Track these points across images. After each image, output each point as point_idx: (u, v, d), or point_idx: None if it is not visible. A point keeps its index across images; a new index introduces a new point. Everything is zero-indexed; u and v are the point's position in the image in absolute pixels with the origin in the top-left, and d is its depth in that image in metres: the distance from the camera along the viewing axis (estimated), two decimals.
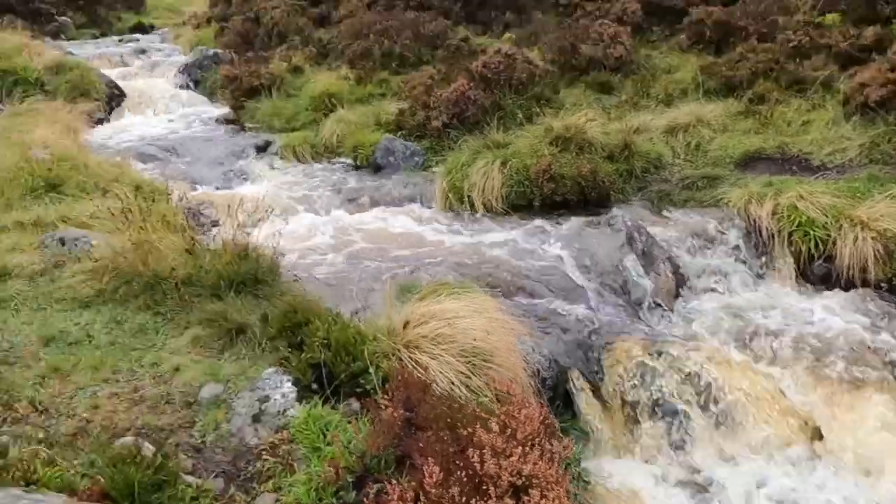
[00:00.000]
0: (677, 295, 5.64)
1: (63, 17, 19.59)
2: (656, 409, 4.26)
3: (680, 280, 5.71)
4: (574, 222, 6.29)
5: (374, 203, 7.22)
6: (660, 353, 4.49)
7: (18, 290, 4.36)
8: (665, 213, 6.56)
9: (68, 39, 18.02)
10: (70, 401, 3.20)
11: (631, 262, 5.44)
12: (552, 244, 5.89)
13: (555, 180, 6.75)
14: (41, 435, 2.74)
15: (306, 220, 6.72)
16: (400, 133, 8.64)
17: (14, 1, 18.24)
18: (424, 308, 3.62)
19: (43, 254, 4.83)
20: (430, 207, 7.15)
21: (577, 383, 4.24)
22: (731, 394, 4.24)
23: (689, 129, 7.69)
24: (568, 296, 5.18)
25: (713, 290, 5.75)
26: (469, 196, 6.95)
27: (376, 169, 8.20)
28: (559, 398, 4.19)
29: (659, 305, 5.42)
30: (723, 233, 6.09)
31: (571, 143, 7.17)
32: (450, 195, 7.07)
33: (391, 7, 12.17)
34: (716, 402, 4.29)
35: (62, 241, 4.94)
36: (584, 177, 6.72)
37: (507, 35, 11.18)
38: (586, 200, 6.80)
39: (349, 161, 8.57)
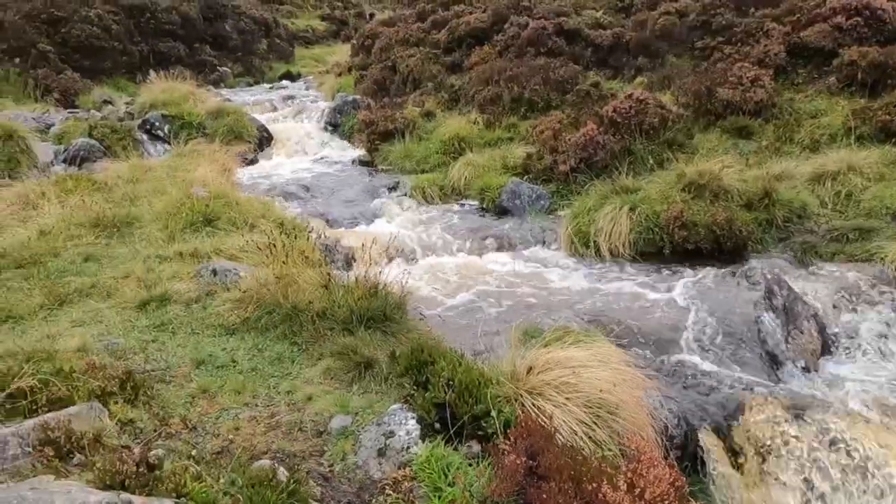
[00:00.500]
0: (822, 356, 5.21)
1: (223, 68, 21.70)
2: (797, 474, 3.92)
3: (826, 341, 5.27)
4: (707, 272, 6.03)
5: (500, 245, 7.29)
6: (800, 416, 4.15)
7: (176, 314, 4.81)
8: (810, 267, 6.12)
9: (227, 87, 19.90)
10: (216, 421, 3.46)
11: (769, 318, 5.10)
12: (683, 295, 5.66)
13: (687, 228, 6.52)
14: (191, 451, 2.97)
15: (433, 259, 6.91)
16: (526, 177, 8.73)
17: (184, 53, 20.49)
18: (548, 355, 3.59)
19: (198, 282, 5.30)
20: (555, 251, 7.12)
21: (708, 443, 4.01)
22: (877, 463, 3.83)
23: (838, 177, 7.17)
24: (699, 351, 4.94)
25: (865, 353, 5.25)
26: (595, 241, 6.86)
27: (502, 212, 8.31)
28: (687, 459, 3.98)
29: (800, 367, 5.03)
30: (878, 291, 5.58)
31: (705, 189, 6.91)
32: (575, 239, 7.02)
33: (522, 54, 12.41)
34: (865, 475, 3.88)
35: (214, 272, 5.39)
36: (718, 225, 6.43)
37: (638, 79, 11.03)
38: (720, 250, 6.49)
39: (476, 203, 8.75)
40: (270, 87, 19.97)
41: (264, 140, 12.89)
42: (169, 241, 6.20)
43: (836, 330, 5.34)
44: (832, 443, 3.95)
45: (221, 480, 2.80)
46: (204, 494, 2.56)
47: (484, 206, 8.58)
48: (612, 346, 4.18)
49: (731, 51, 10.36)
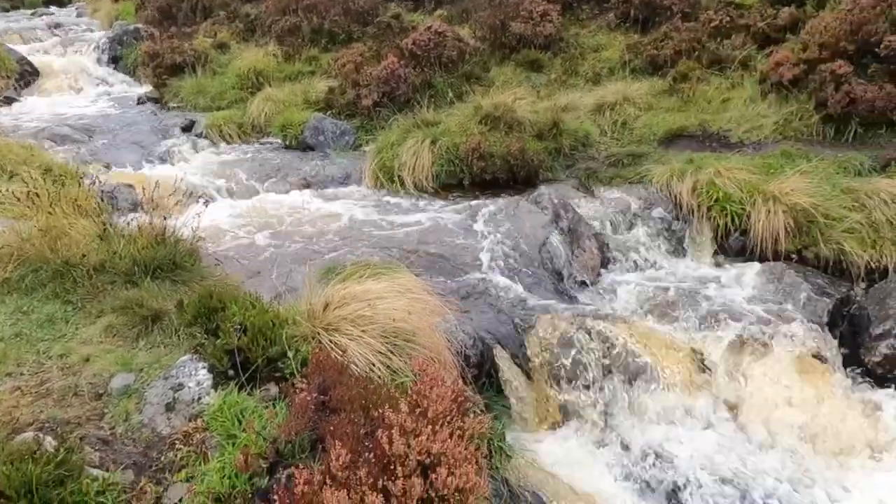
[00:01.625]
0: (603, 269, 5.78)
1: None
2: (578, 380, 4.37)
3: (605, 256, 5.84)
4: (502, 201, 6.34)
5: (303, 184, 7.09)
6: (582, 327, 4.59)
7: None
8: (592, 190, 6.68)
9: None
10: None
11: (556, 239, 5.53)
12: (480, 223, 5.91)
13: (484, 159, 6.78)
14: None
15: (232, 201, 6.56)
16: (330, 112, 8.51)
17: None
18: (345, 290, 3.59)
19: None
20: (360, 187, 7.08)
21: (501, 359, 4.30)
22: (643, 359, 4.39)
23: (615, 107, 7.83)
24: (494, 273, 5.23)
25: (636, 264, 5.91)
26: (399, 175, 6.92)
27: (305, 148, 8.05)
28: (484, 376, 4.25)
29: (584, 281, 5.55)
30: (646, 209, 6.25)
31: (501, 121, 7.20)
32: (380, 174, 7.02)
33: None
34: (631, 368, 4.43)
35: None
36: (513, 155, 6.77)
37: (438, 12, 11.08)
38: (515, 179, 6.87)
39: (278, 141, 8.38)
40: (32, 14, 17.30)
41: (28, 75, 11.23)
42: None
43: (613, 246, 5.93)
44: (602, 342, 4.43)
45: None
46: None
47: (286, 143, 8.25)
48: (412, 276, 4.28)
49: None
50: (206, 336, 3.36)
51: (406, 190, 6.84)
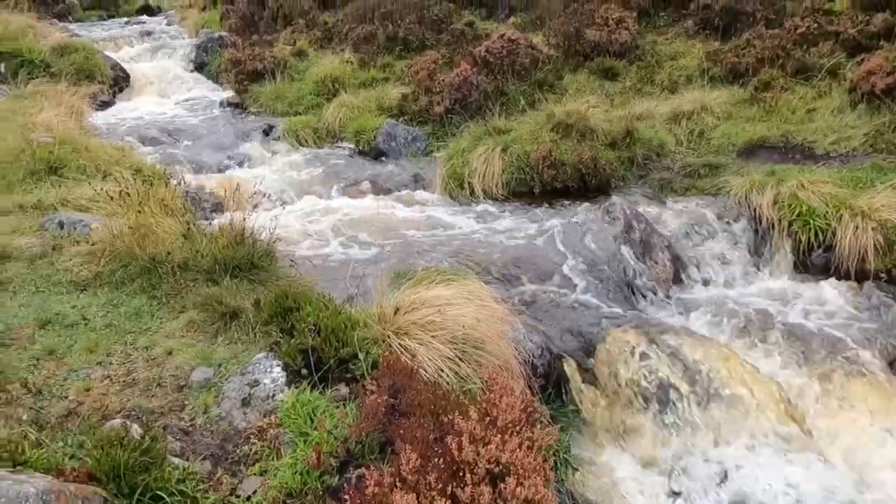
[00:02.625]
0: (675, 283, 5.63)
1: None
2: (649, 396, 4.27)
3: (678, 268, 5.69)
4: (573, 209, 6.28)
5: (375, 188, 7.22)
6: (654, 341, 4.49)
7: (18, 272, 4.40)
8: (666, 201, 6.53)
9: (75, 21, 18.03)
10: (63, 383, 3.23)
11: (628, 250, 5.42)
12: (550, 231, 5.87)
13: (555, 167, 6.74)
14: (30, 416, 2.77)
15: (306, 204, 6.74)
16: (402, 118, 8.64)
17: None
18: (415, 295, 3.63)
19: (42, 237, 4.86)
20: (430, 193, 7.15)
21: (570, 371, 4.26)
22: (722, 381, 4.24)
23: (692, 116, 7.64)
24: (564, 283, 5.18)
25: (712, 278, 5.73)
26: (469, 182, 6.95)
27: (378, 154, 8.20)
28: (552, 386, 4.21)
29: (656, 294, 5.42)
30: (724, 222, 6.06)
31: (573, 129, 7.13)
32: (450, 181, 7.07)
33: None
34: (708, 389, 4.29)
35: (61, 224, 4.97)
36: (584, 164, 6.70)
37: (512, 19, 11.09)
38: (587, 188, 6.79)
39: (351, 146, 8.57)
40: (126, 22, 18.30)
41: (120, 80, 11.88)
42: (7, 192, 5.63)
43: (687, 259, 5.77)
44: (675, 359, 4.31)
45: (68, 444, 2.65)
46: (45, 461, 2.41)
47: (360, 148, 8.42)
48: (480, 283, 4.29)
49: None
50: (281, 335, 3.47)
51: (476, 197, 6.87)
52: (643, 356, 4.42)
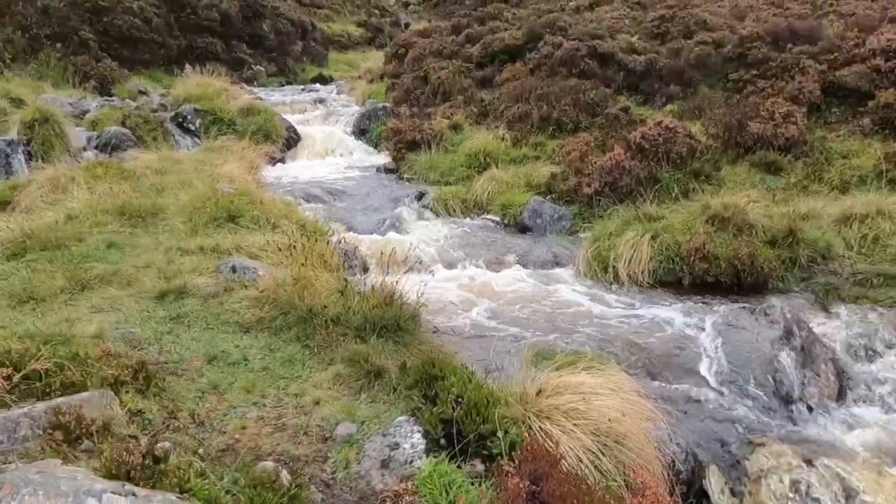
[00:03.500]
0: (839, 400, 5.11)
1: (258, 66, 22.00)
2: None
3: (843, 384, 5.18)
4: (726, 307, 5.96)
5: (518, 263, 7.28)
6: (810, 460, 4.08)
7: (193, 308, 4.86)
8: (831, 309, 6.02)
9: (259, 86, 20.17)
10: (223, 418, 3.48)
11: (787, 358, 5.03)
12: (700, 327, 5.60)
13: (708, 260, 6.47)
14: (197, 447, 3.00)
15: (450, 272, 6.91)
16: (550, 196, 8.72)
17: (220, 50, 20.80)
18: (559, 379, 3.57)
19: (217, 278, 5.35)
20: (573, 272, 7.09)
21: (715, 482, 3.95)
22: None
23: (866, 220, 7.05)
24: (712, 384, 4.88)
25: (882, 401, 5.15)
26: (614, 266, 6.82)
27: (523, 229, 8.30)
28: (693, 496, 3.92)
29: (815, 409, 4.94)
30: None
31: (729, 223, 6.84)
32: (594, 263, 6.98)
33: (553, 74, 12.43)
34: None
35: (234, 269, 5.44)
36: (740, 260, 6.37)
37: (669, 107, 11.00)
38: (741, 285, 6.43)
39: (497, 218, 8.75)
40: (302, 89, 20.19)
41: (292, 140, 13.02)
42: (192, 235, 6.28)
43: (854, 375, 5.24)
44: (837, 485, 3.87)
45: (225, 479, 2.82)
46: (206, 492, 2.58)
47: (505, 221, 8.58)
48: (624, 374, 4.14)
49: (764, 85, 10.29)
50: (423, 401, 3.53)
51: (620, 282, 6.72)
52: (797, 475, 4.02)
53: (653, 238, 6.86)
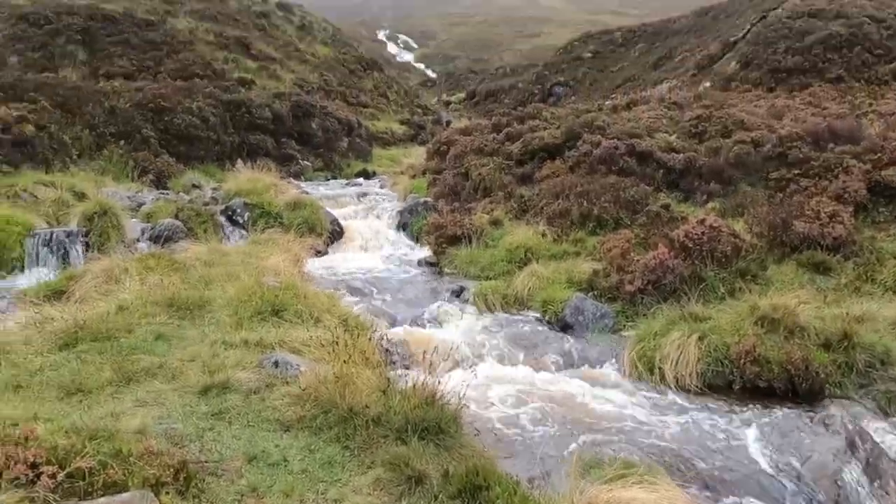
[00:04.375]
0: None
1: (305, 161, 22.91)
2: None
3: None
4: (780, 414, 5.70)
5: (559, 361, 7.15)
6: None
7: (234, 404, 4.85)
8: (894, 417, 5.70)
9: (306, 179, 20.92)
10: None
11: (853, 473, 4.72)
12: (754, 436, 5.34)
13: (759, 364, 6.25)
14: None
15: (491, 371, 6.80)
16: (591, 293, 8.64)
17: (271, 146, 21.81)
18: (609, 493, 3.41)
19: (259, 373, 5.36)
20: (617, 373, 6.91)
21: None
22: None
23: None
24: (770, 500, 4.59)
25: None
26: (660, 367, 6.63)
27: (564, 326, 8.19)
28: None
29: None
30: None
31: (780, 325, 6.65)
32: (639, 364, 6.81)
33: (593, 171, 12.63)
34: None
35: (276, 364, 5.46)
36: (794, 364, 6.13)
37: (710, 205, 10.99)
38: (795, 391, 6.16)
39: (538, 315, 8.66)
40: (347, 183, 20.86)
41: (336, 233, 13.33)
42: (237, 328, 6.36)
43: None
44: None
45: None
46: None
47: (546, 318, 8.49)
48: (679, 491, 3.94)
49: (807, 184, 10.26)
50: None
51: (666, 384, 6.51)
52: None
53: (700, 339, 6.68)
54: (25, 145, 14.48)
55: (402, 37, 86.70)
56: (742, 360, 6.28)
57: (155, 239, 10.71)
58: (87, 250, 10.03)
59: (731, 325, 6.81)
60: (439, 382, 4.86)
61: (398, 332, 7.60)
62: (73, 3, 28.62)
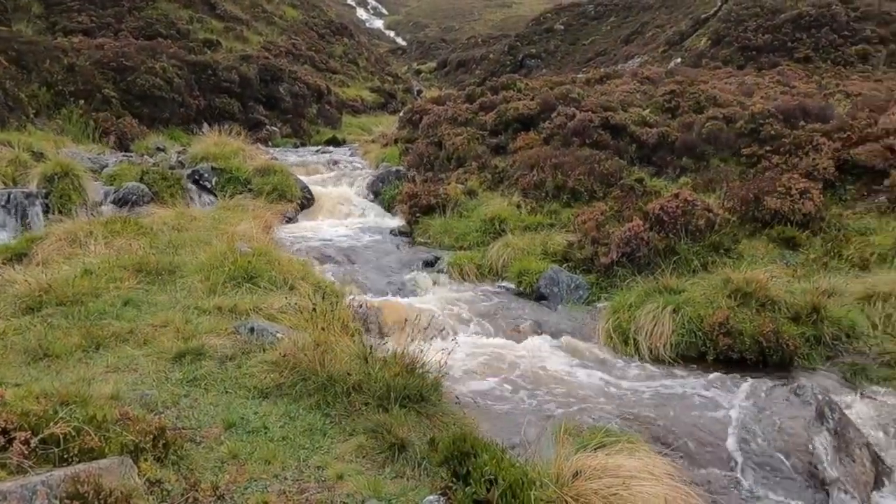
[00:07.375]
0: (876, 488, 4.91)
1: (273, 127, 22.39)
2: None
3: (880, 472, 4.98)
4: (752, 385, 5.80)
5: (535, 332, 7.17)
6: None
7: (210, 370, 4.74)
8: (860, 390, 5.87)
9: (274, 146, 20.45)
10: (244, 491, 3.32)
11: (822, 442, 4.85)
12: (725, 405, 5.44)
13: (731, 336, 6.35)
14: None
15: (468, 340, 6.79)
16: (566, 265, 8.67)
17: (237, 110, 21.23)
18: (595, 460, 3.42)
19: (235, 339, 5.25)
20: (592, 344, 6.96)
21: None
22: None
23: (889, 298, 6.97)
24: (743, 467, 4.69)
25: None
26: (635, 339, 6.70)
27: (539, 297, 8.21)
28: None
29: (851, 498, 4.73)
30: None
31: (752, 298, 6.77)
32: (614, 335, 6.87)
33: (567, 143, 12.59)
34: None
35: (252, 330, 5.35)
36: (765, 336, 6.26)
37: (683, 179, 11.07)
38: (765, 362, 6.30)
39: (512, 286, 8.67)
40: (316, 150, 20.46)
41: (306, 201, 13.08)
42: (209, 294, 6.20)
43: (890, 462, 5.05)
44: None
45: None
46: None
47: (521, 289, 8.50)
48: (658, 456, 3.98)
49: (778, 161, 10.39)
50: (453, 479, 3.36)
51: (640, 355, 6.59)
52: None
53: (674, 311, 6.76)
54: None
55: (372, 2, 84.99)
56: (715, 332, 6.38)
57: (119, 202, 10.36)
58: (47, 212, 9.65)
59: (704, 298, 6.90)
60: (420, 351, 4.81)
61: (373, 301, 7.52)
62: None
